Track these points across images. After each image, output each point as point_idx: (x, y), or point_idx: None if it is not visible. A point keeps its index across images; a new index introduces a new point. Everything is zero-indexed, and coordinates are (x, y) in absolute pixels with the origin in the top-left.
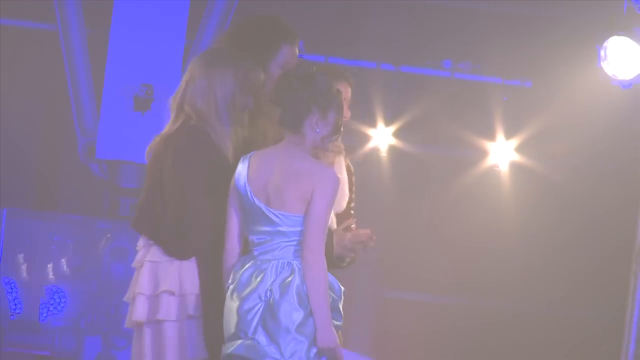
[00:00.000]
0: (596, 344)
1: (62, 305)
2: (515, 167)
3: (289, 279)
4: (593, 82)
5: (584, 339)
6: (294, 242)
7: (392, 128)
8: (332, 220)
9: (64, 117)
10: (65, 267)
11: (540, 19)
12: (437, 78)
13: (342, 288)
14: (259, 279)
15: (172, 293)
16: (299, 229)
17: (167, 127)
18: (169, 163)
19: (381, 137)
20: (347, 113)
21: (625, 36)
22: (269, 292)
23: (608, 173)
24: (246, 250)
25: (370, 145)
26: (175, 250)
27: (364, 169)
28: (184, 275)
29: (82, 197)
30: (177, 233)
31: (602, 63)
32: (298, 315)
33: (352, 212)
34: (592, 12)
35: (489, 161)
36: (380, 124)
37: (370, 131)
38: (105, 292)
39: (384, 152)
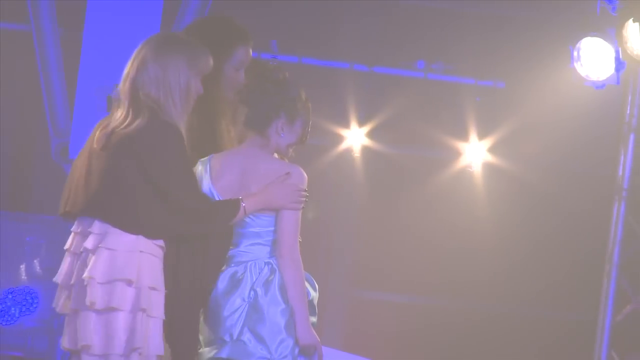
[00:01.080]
0: (569, 345)
1: (34, 306)
2: (488, 168)
3: (271, 278)
4: (566, 82)
5: (557, 340)
6: (268, 242)
7: (366, 129)
8: None
9: (37, 118)
10: (38, 267)
11: (513, 19)
12: (410, 79)
13: (315, 283)
14: (239, 280)
15: (129, 283)
16: (271, 228)
17: (125, 119)
18: (157, 161)
19: (354, 137)
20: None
21: (598, 37)
22: (252, 293)
23: (581, 173)
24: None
25: (343, 145)
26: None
27: (337, 169)
28: (143, 268)
29: (55, 198)
30: (173, 225)
31: (575, 64)
32: (285, 314)
33: None
34: (565, 13)
35: (462, 162)
36: (354, 124)
37: (343, 132)
38: None
39: (357, 152)
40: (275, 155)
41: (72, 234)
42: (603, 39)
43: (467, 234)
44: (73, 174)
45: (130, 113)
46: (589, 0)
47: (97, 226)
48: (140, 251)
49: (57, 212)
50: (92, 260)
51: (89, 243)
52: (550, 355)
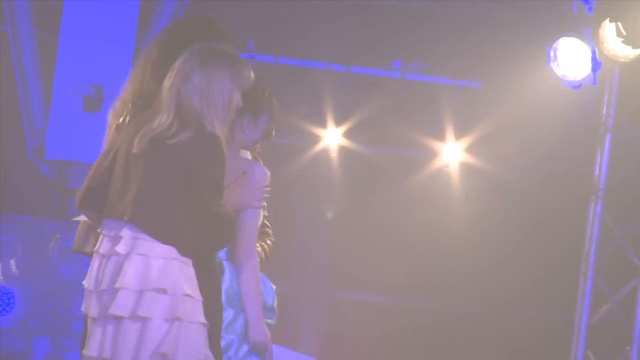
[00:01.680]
0: (546, 345)
1: (11, 306)
2: (465, 168)
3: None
4: (543, 82)
5: (534, 339)
6: None
7: (342, 128)
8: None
9: (13, 118)
10: (14, 267)
11: (490, 19)
12: (387, 79)
13: (274, 287)
14: None
15: (163, 291)
16: None
17: (170, 128)
18: (205, 175)
19: (331, 137)
20: None
21: (574, 37)
22: None
23: (558, 173)
24: None
25: (320, 145)
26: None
27: (314, 169)
28: (177, 275)
29: (31, 198)
30: (218, 239)
31: (551, 64)
32: (227, 315)
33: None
34: (542, 13)
35: (439, 162)
36: (331, 124)
37: (320, 132)
38: (55, 293)
39: (334, 152)
40: (246, 152)
41: (101, 236)
42: (580, 39)
43: (443, 234)
44: (103, 174)
45: (176, 123)
46: (565, 0)
47: (129, 231)
48: (174, 259)
49: (33, 212)
50: (125, 266)
51: (121, 248)
52: (527, 355)
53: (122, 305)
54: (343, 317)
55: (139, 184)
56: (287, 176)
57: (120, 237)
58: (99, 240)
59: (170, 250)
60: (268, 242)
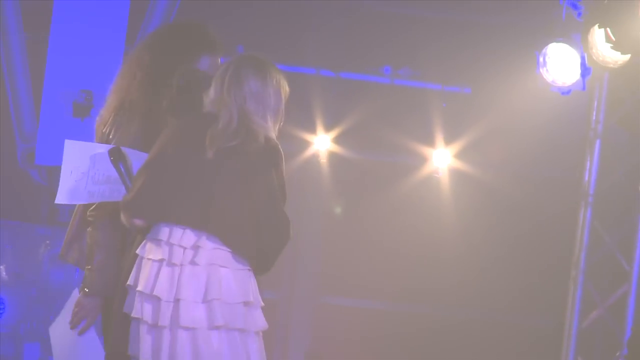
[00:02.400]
0: (536, 350)
1: (0, 311)
2: (454, 173)
3: None
4: (532, 88)
5: (524, 345)
6: None
7: (332, 134)
8: None
9: (2, 123)
10: (4, 273)
11: (479, 25)
12: (377, 84)
13: None
14: None
15: (251, 304)
16: None
17: (236, 136)
18: (277, 180)
19: (321, 143)
20: None
21: (563, 43)
22: None
23: (547, 179)
24: None
25: (309, 151)
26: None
27: (304, 175)
28: (254, 286)
29: (21, 203)
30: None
31: (541, 69)
32: None
33: None
34: (531, 18)
35: (429, 167)
36: (320, 130)
37: (309, 137)
38: (45, 299)
39: (323, 158)
40: None
41: (167, 245)
42: (569, 44)
43: (433, 239)
44: (170, 182)
45: (242, 131)
46: (554, 6)
47: (209, 242)
48: (249, 269)
49: (22, 217)
50: (212, 278)
51: (201, 259)
52: None
53: (219, 317)
54: (333, 323)
55: (217, 194)
56: None
57: (199, 247)
58: (163, 249)
59: (246, 262)
60: None
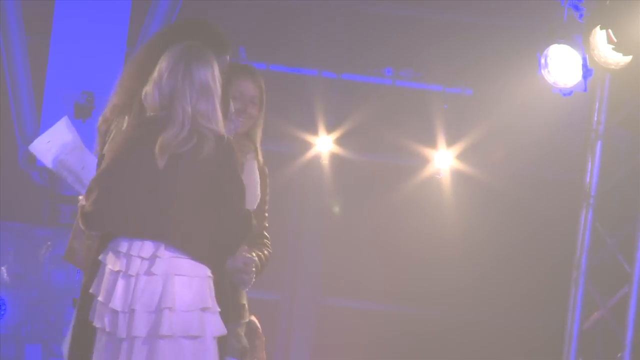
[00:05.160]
0: (537, 352)
1: (2, 313)
2: (456, 175)
3: None
4: (534, 89)
5: (525, 347)
6: None
7: (334, 136)
8: None
9: (4, 124)
10: (5, 275)
11: (481, 27)
12: (379, 86)
13: None
14: None
15: (207, 310)
16: None
17: (189, 141)
18: (233, 181)
19: (323, 144)
20: (251, 109)
21: (565, 44)
22: None
23: (549, 180)
24: None
25: (311, 152)
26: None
27: (305, 176)
28: (212, 293)
29: (22, 205)
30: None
31: (542, 71)
32: None
33: (266, 214)
34: (532, 20)
35: (431, 169)
36: (322, 131)
37: (311, 139)
38: (46, 300)
39: (325, 159)
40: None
41: (124, 256)
42: (570, 46)
43: (435, 241)
44: (125, 193)
45: (195, 135)
46: (556, 7)
47: (167, 251)
48: (209, 277)
49: (24, 219)
50: (168, 287)
51: (158, 268)
52: None
53: (168, 326)
54: (335, 324)
55: (172, 203)
56: (278, 184)
57: (156, 257)
58: (121, 261)
59: (205, 269)
60: (265, 252)
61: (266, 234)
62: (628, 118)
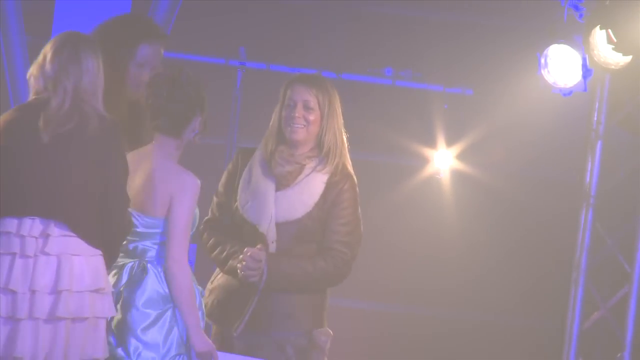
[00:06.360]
0: (537, 352)
1: None
2: (456, 175)
3: (141, 280)
4: (533, 90)
5: (524, 347)
6: (151, 244)
7: None
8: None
9: None
10: None
11: (481, 27)
12: (378, 86)
13: (200, 289)
14: (114, 280)
15: (102, 290)
16: (155, 231)
17: (71, 117)
18: (116, 161)
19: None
20: (306, 115)
21: (565, 44)
22: (119, 294)
23: (549, 180)
24: None
25: None
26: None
27: None
28: (103, 273)
29: None
30: (120, 231)
31: (542, 71)
32: (144, 319)
33: (341, 227)
34: (532, 20)
35: (430, 169)
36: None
37: None
38: None
39: None
40: None
41: (15, 236)
42: (570, 46)
43: (434, 241)
44: (16, 170)
45: (76, 112)
46: (556, 7)
47: (57, 229)
48: (100, 255)
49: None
50: (62, 267)
51: (52, 248)
52: None
53: (67, 307)
54: (334, 324)
55: (59, 181)
56: None
57: (48, 236)
58: (13, 242)
59: (95, 248)
60: (321, 263)
61: (340, 248)
62: (628, 118)
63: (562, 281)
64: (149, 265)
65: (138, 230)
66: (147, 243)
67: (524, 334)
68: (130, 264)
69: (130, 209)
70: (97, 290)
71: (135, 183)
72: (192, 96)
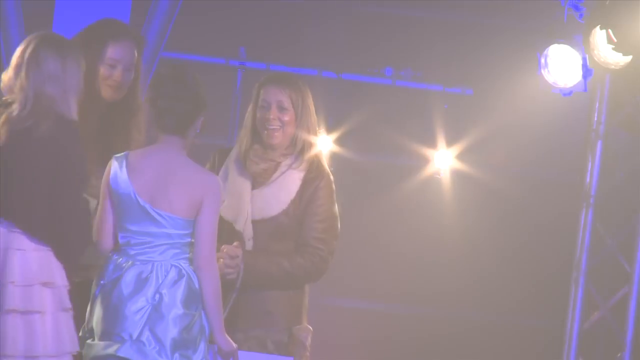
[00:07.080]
0: (537, 352)
1: None
2: (456, 175)
3: (178, 282)
4: (533, 89)
5: (524, 347)
6: (177, 245)
7: (334, 135)
8: None
9: None
10: None
11: (481, 26)
12: (379, 86)
13: None
14: (145, 280)
15: (48, 284)
16: (183, 232)
17: (29, 118)
18: (71, 162)
19: (322, 144)
20: (279, 116)
21: (565, 44)
22: (157, 296)
23: (549, 180)
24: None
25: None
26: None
27: None
28: (55, 267)
29: None
30: (72, 227)
31: (542, 71)
32: (185, 319)
33: (317, 224)
34: (532, 20)
35: (430, 169)
36: (322, 131)
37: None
38: None
39: (325, 159)
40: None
41: None
42: (570, 46)
43: (434, 241)
44: None
45: (35, 113)
46: (556, 7)
47: (1, 227)
48: (48, 250)
49: None
50: (7, 262)
51: None
52: None
53: (13, 300)
54: (334, 325)
55: (7, 179)
56: None
57: None
58: None
59: (44, 245)
60: (299, 260)
61: (316, 244)
62: (628, 118)
63: (562, 281)
64: (183, 266)
65: (167, 231)
66: (175, 244)
67: (525, 334)
68: (159, 265)
69: (159, 210)
70: (46, 284)
71: (160, 183)
72: (198, 96)
